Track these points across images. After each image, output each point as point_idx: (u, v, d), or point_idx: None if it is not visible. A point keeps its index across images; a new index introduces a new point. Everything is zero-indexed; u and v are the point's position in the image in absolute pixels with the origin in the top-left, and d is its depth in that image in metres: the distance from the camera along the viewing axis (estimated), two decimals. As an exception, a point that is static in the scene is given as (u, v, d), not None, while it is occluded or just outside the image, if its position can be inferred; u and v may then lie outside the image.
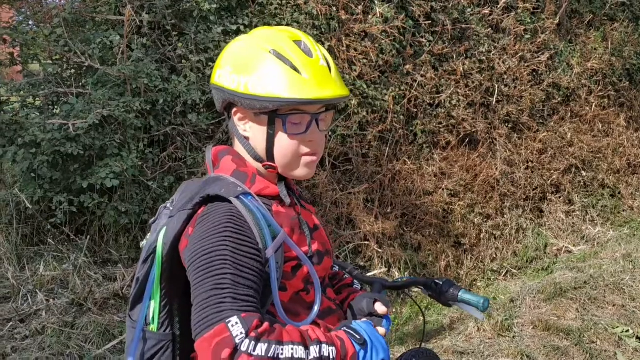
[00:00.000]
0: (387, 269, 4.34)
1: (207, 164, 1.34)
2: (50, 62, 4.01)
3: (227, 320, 1.05)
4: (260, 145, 1.26)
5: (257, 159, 1.28)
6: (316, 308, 1.25)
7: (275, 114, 1.21)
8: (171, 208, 1.29)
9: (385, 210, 4.62)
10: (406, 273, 4.38)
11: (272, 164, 1.26)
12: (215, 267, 1.10)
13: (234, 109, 1.27)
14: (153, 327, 1.26)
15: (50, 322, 3.10)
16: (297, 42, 1.24)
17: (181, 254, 1.21)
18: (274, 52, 1.20)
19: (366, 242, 4.34)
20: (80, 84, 3.96)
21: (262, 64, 1.20)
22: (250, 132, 1.27)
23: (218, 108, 1.32)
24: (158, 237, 1.24)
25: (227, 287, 1.08)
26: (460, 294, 1.64)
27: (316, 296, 1.25)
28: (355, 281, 1.65)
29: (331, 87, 1.21)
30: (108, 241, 3.70)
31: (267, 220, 1.19)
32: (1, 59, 3.86)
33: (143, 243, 1.32)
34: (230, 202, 1.17)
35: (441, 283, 1.67)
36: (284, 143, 1.24)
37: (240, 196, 1.18)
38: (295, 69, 1.19)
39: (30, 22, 4.07)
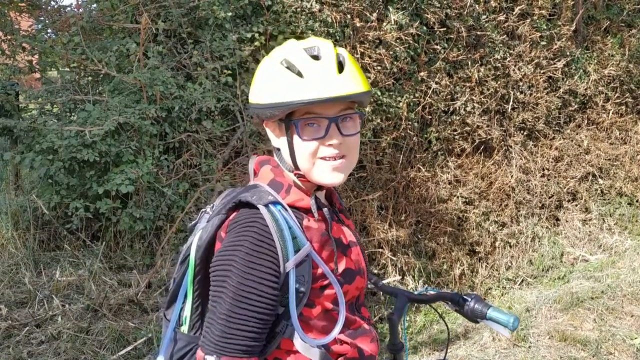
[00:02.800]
0: (401, 277, 4.31)
1: (249, 173, 1.38)
2: (68, 69, 4.06)
3: (206, 356, 1.13)
4: (287, 154, 1.27)
5: (289, 169, 1.29)
6: (338, 328, 1.22)
7: (289, 120, 1.22)
8: (210, 212, 1.33)
9: (399, 217, 4.60)
10: (420, 281, 4.35)
11: (301, 172, 1.27)
12: (222, 291, 1.15)
13: (264, 123, 1.31)
14: (184, 328, 1.29)
15: (66, 327, 3.13)
16: (309, 49, 1.24)
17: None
18: (285, 62, 1.23)
19: (380, 250, 4.32)
20: (97, 91, 4.01)
21: (271, 74, 1.24)
22: (279, 142, 1.29)
23: (259, 125, 1.37)
24: (193, 240, 1.28)
25: (222, 319, 1.13)
26: (488, 311, 1.60)
27: (340, 315, 1.23)
28: None
29: (334, 87, 1.18)
30: (123, 247, 3.73)
31: (293, 232, 1.19)
32: (20, 66, 3.93)
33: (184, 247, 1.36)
34: (258, 208, 1.19)
35: (469, 299, 1.64)
36: (299, 147, 1.23)
37: (269, 205, 1.19)
38: (300, 74, 1.20)
39: (49, 31, 4.13)
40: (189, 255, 1.28)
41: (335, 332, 1.22)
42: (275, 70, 1.23)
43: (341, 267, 1.28)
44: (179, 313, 1.29)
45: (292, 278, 1.16)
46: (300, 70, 1.20)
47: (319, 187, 1.31)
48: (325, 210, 1.31)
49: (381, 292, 3.83)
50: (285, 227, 1.17)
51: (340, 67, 1.22)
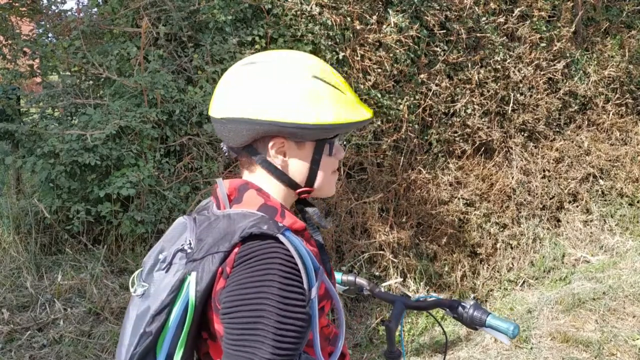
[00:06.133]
0: (402, 279, 4.31)
1: (219, 198, 1.22)
2: (69, 73, 4.07)
3: None
4: (301, 173, 1.22)
5: (294, 186, 1.23)
6: (341, 343, 1.20)
7: (326, 139, 1.20)
8: (188, 251, 1.14)
9: (400, 219, 4.60)
10: (422, 283, 4.35)
11: (310, 189, 1.24)
12: (257, 334, 1.02)
13: (271, 142, 1.18)
14: None
15: (68, 331, 3.13)
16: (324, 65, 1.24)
17: (215, 294, 1.10)
18: (316, 77, 1.17)
19: (381, 252, 4.32)
20: (98, 95, 4.02)
21: (316, 91, 1.15)
22: (290, 161, 1.21)
23: (239, 142, 1.20)
24: (187, 285, 1.10)
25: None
26: (488, 319, 1.58)
27: (341, 331, 1.21)
28: None
29: (364, 107, 1.23)
30: (125, 250, 3.73)
31: (310, 257, 1.11)
32: (21, 70, 3.93)
33: (138, 291, 1.15)
34: (275, 238, 1.08)
35: (467, 306, 1.62)
36: (327, 164, 1.24)
37: (285, 232, 1.10)
38: (342, 91, 1.19)
39: (50, 35, 4.14)
40: (167, 306, 1.10)
41: (340, 345, 1.21)
42: (315, 86, 1.16)
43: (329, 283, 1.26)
44: None
45: (315, 305, 1.09)
46: (338, 88, 1.18)
47: (299, 203, 1.31)
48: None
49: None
50: (305, 253, 1.10)
51: None
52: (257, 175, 1.24)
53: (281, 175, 1.21)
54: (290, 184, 1.23)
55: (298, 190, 1.24)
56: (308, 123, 1.13)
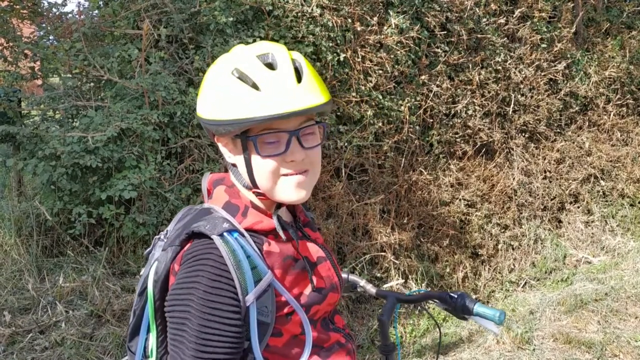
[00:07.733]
0: (403, 280, 4.31)
1: (203, 193, 1.28)
2: (70, 75, 4.06)
3: None
4: (245, 172, 1.18)
5: (247, 186, 1.21)
6: (307, 353, 1.17)
7: (246, 136, 1.13)
8: (164, 240, 1.23)
9: (401, 220, 4.60)
10: (423, 284, 4.34)
11: (260, 190, 1.18)
12: (182, 335, 1.06)
13: (216, 138, 1.22)
14: None
15: (70, 333, 3.13)
16: (262, 56, 1.15)
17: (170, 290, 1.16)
18: (236, 72, 1.14)
19: (382, 253, 4.31)
20: (99, 97, 4.01)
21: (223, 88, 1.14)
22: (235, 159, 1.20)
23: (211, 139, 1.26)
24: (149, 273, 1.19)
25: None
26: (475, 307, 1.63)
27: (306, 345, 1.17)
28: None
29: (295, 99, 1.09)
30: (126, 252, 3.72)
31: (252, 262, 1.10)
32: (22, 73, 3.93)
33: (143, 272, 1.26)
34: (212, 240, 1.10)
35: (456, 296, 1.66)
36: (259, 165, 1.14)
37: (225, 234, 1.10)
38: (256, 87, 1.11)
39: (51, 37, 4.13)
40: (146, 287, 1.19)
41: (306, 355, 1.16)
42: (226, 82, 1.14)
43: (308, 289, 1.20)
44: (145, 344, 1.21)
45: (252, 312, 1.08)
46: (255, 82, 1.11)
47: (280, 205, 1.23)
48: (290, 229, 1.23)
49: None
50: (244, 257, 1.08)
51: (298, 75, 1.13)
52: (230, 172, 1.27)
53: (234, 172, 1.23)
54: (242, 182, 1.21)
55: (253, 191, 1.20)
56: (203, 118, 1.18)
